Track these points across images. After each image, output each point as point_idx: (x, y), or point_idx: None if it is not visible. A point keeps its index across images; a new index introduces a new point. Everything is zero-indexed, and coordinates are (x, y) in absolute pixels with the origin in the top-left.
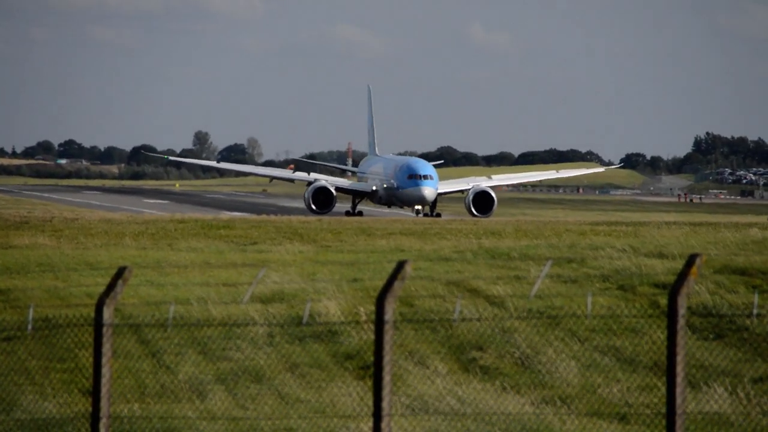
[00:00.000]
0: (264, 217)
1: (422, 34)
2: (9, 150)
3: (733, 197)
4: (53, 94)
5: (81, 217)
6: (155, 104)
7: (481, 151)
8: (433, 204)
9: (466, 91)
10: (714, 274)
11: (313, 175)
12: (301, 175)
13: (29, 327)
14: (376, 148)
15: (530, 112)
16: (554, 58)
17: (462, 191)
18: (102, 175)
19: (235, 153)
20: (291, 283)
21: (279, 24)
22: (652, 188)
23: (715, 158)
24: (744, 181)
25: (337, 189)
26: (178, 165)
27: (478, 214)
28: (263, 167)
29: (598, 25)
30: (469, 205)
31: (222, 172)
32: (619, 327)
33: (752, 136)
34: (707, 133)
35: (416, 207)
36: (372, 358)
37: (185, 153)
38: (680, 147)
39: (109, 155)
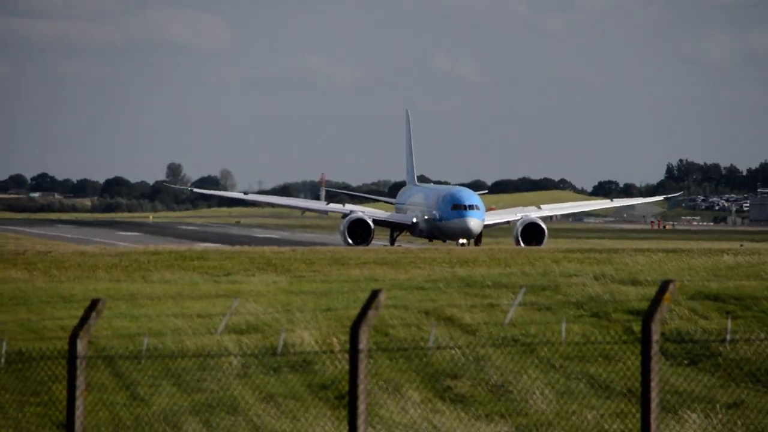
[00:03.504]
0: (238, 248)
1: (388, 63)
2: None
3: (706, 224)
4: (24, 129)
5: (54, 250)
6: (127, 136)
7: (454, 179)
8: (479, 236)
9: (435, 120)
10: (687, 300)
11: (349, 207)
12: (335, 206)
13: (2, 361)
14: (415, 177)
15: (501, 140)
16: (524, 86)
17: (509, 222)
18: (75, 208)
19: (209, 184)
20: (265, 314)
21: (245, 54)
22: (625, 215)
23: (687, 185)
24: (717, 207)
25: (375, 221)
26: (207, 197)
27: (527, 246)
28: (294, 199)
29: (567, 52)
30: (518, 237)
31: (195, 204)
32: (593, 354)
33: (725, 163)
34: (680, 160)
35: (461, 240)
36: (347, 388)
37: (158, 185)
38: (653, 174)
39: (82, 188)
